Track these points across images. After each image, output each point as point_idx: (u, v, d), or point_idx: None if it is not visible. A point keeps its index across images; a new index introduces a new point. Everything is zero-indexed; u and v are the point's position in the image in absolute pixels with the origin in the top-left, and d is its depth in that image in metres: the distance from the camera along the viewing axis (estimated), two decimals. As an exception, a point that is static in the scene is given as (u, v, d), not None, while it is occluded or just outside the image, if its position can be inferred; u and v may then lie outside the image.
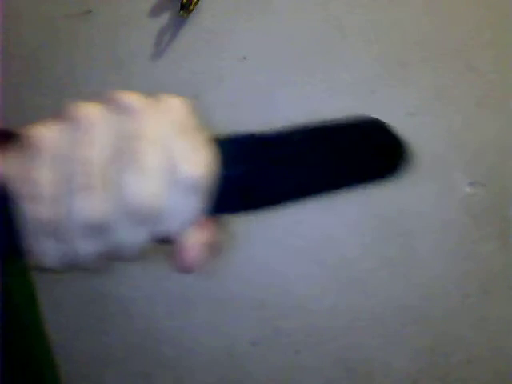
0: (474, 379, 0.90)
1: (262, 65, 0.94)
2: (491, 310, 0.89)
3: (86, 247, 0.31)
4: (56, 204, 0.30)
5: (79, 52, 0.98)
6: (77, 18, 0.99)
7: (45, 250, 0.31)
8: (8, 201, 0.30)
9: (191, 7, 0.94)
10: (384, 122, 0.33)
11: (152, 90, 1.03)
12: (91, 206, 0.29)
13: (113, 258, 0.32)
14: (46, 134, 0.31)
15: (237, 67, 0.95)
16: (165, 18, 0.97)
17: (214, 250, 0.35)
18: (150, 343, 0.95)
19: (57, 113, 0.32)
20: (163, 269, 0.95)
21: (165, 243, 0.33)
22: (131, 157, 0.30)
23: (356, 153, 0.32)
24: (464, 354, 0.90)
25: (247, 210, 0.33)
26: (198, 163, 0.32)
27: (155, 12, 0.97)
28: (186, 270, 0.34)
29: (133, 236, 0.31)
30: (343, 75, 0.93)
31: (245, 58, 0.95)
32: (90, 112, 0.32)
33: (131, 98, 0.33)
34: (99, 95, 0.33)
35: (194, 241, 0.33)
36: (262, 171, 0.32)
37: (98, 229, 0.30)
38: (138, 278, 0.95)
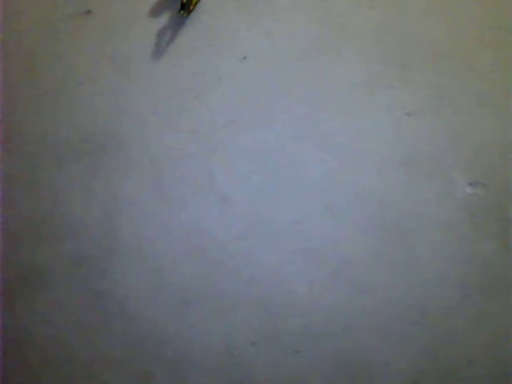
0: (474, 379, 0.90)
1: (261, 65, 0.94)
2: (491, 309, 0.89)
3: None
4: None
5: (79, 52, 0.98)
6: (77, 18, 0.99)
7: None
8: None
9: (191, 7, 0.94)
10: None
11: (152, 90, 1.04)
12: None
13: None
14: None
15: (237, 67, 0.95)
16: (165, 18, 0.97)
17: None
18: (150, 343, 0.95)
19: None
20: (163, 269, 0.95)
21: None
22: None
23: None
24: (464, 353, 0.90)
25: None
26: None
27: (155, 12, 0.97)
28: None
29: None
30: (343, 76, 0.93)
31: (245, 57, 0.95)
32: None
33: None
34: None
35: None
36: None
37: None
38: (138, 279, 0.95)
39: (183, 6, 0.93)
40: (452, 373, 0.90)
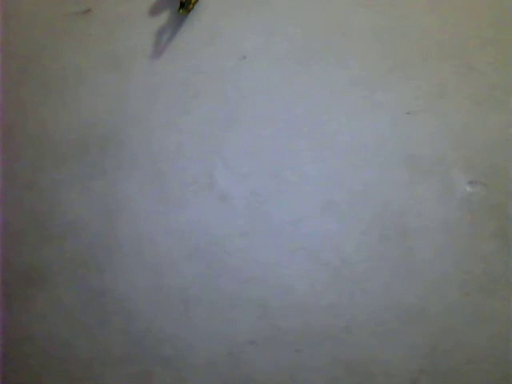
0: (474, 379, 0.90)
1: (261, 64, 0.94)
2: (491, 309, 0.89)
3: None
4: None
5: (78, 51, 0.98)
6: (76, 17, 0.98)
7: None
8: None
9: (190, 6, 0.94)
10: None
11: (151, 89, 1.04)
12: None
13: None
14: None
15: (236, 66, 0.95)
16: (164, 17, 0.97)
17: None
18: (149, 342, 0.95)
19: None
20: (163, 267, 0.95)
21: None
22: None
23: None
24: (464, 353, 0.90)
25: None
26: None
27: (154, 11, 0.97)
28: None
29: None
30: (343, 75, 0.93)
31: (245, 57, 0.95)
32: None
33: None
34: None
35: None
36: None
37: None
38: (138, 278, 0.95)
39: (182, 5, 0.93)
40: (452, 372, 0.90)
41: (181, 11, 0.93)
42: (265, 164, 0.93)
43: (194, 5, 0.94)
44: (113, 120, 0.96)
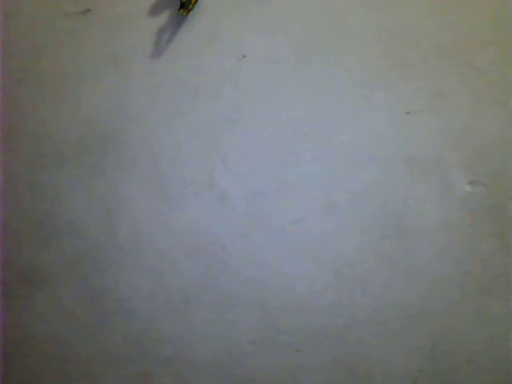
0: (473, 378, 0.90)
1: (261, 63, 0.94)
2: (491, 309, 0.89)
3: None
4: None
5: (78, 51, 0.98)
6: (76, 17, 0.98)
7: None
8: None
9: (191, 6, 0.94)
10: None
11: (151, 89, 1.04)
12: None
13: None
14: None
15: (236, 66, 0.95)
16: (164, 17, 0.97)
17: None
18: (149, 342, 0.95)
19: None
20: (163, 268, 0.95)
21: None
22: None
23: None
24: (464, 353, 0.90)
25: None
26: None
27: (154, 11, 0.97)
28: None
29: None
30: (343, 75, 0.93)
31: (244, 56, 0.95)
32: None
33: None
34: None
35: None
36: None
37: None
38: (138, 278, 0.95)
39: (183, 5, 0.93)
40: (451, 371, 0.90)
41: (181, 11, 0.93)
42: (265, 164, 0.93)
43: (193, 5, 0.94)
44: (113, 120, 0.96)
